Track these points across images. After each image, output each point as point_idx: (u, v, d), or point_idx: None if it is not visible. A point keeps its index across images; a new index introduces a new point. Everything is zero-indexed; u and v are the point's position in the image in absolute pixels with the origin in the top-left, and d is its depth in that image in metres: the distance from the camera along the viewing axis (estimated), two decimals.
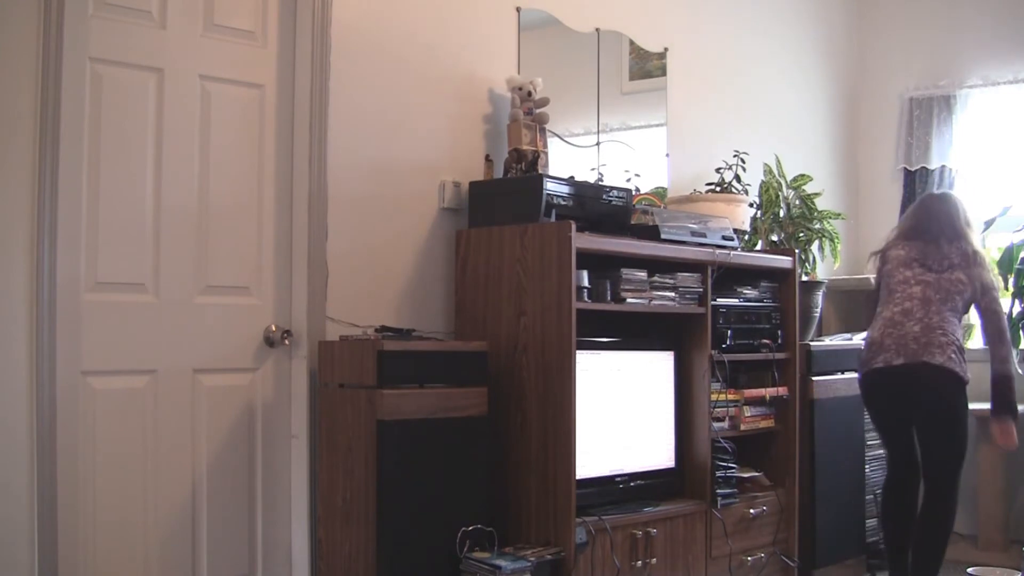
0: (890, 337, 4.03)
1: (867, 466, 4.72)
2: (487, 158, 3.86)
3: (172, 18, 3.19)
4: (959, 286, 4.07)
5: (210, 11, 3.28)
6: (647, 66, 4.66)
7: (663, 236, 3.80)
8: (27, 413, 2.86)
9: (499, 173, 3.81)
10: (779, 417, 4.24)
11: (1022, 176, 5.44)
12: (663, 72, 4.69)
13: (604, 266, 3.60)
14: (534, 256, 3.44)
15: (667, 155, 4.67)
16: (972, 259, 4.12)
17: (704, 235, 3.96)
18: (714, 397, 3.93)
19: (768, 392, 4.18)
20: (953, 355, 3.95)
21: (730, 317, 4.06)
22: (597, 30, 4.35)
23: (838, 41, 5.93)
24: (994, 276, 4.27)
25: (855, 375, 4.60)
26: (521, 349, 3.46)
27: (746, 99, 5.19)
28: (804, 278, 4.71)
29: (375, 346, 3.11)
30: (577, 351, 3.38)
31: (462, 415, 3.23)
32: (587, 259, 3.47)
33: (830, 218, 4.95)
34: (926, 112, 5.68)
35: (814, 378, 4.43)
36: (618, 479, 3.68)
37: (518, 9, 4.04)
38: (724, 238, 4.04)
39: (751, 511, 4.05)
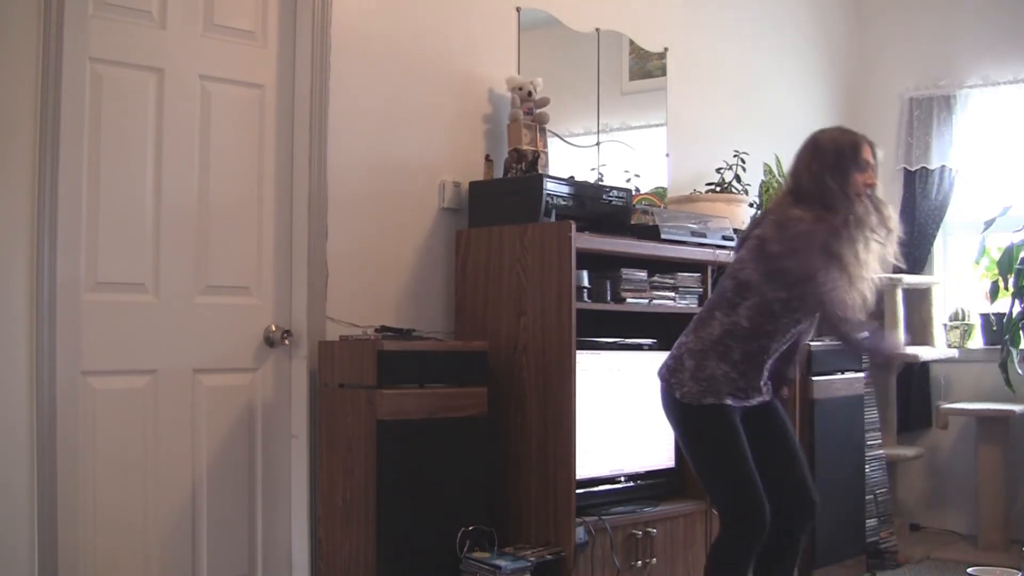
0: None
1: (867, 466, 4.72)
2: (487, 158, 3.86)
3: (172, 18, 3.19)
4: (733, 267, 3.07)
5: (210, 11, 3.28)
6: (647, 66, 4.66)
7: (663, 236, 3.80)
8: (27, 413, 2.86)
9: (499, 173, 3.81)
10: None
11: (1022, 176, 5.43)
12: (663, 72, 4.69)
13: (604, 266, 3.60)
14: (534, 256, 3.44)
15: (667, 155, 4.66)
16: (765, 217, 3.06)
17: (704, 235, 3.96)
18: None
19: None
20: (670, 363, 3.04)
21: None
22: (597, 30, 4.35)
23: (838, 41, 5.93)
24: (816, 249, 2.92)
25: (855, 375, 4.61)
26: (521, 349, 3.46)
27: (746, 99, 5.19)
28: None
29: (375, 346, 3.11)
30: (577, 351, 3.38)
31: (462, 415, 3.23)
32: (587, 259, 3.47)
33: None
34: (926, 112, 5.67)
35: (814, 378, 4.42)
36: (618, 479, 3.68)
37: (518, 9, 4.04)
38: (724, 238, 4.04)
39: None
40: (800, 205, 2.98)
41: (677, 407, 3.02)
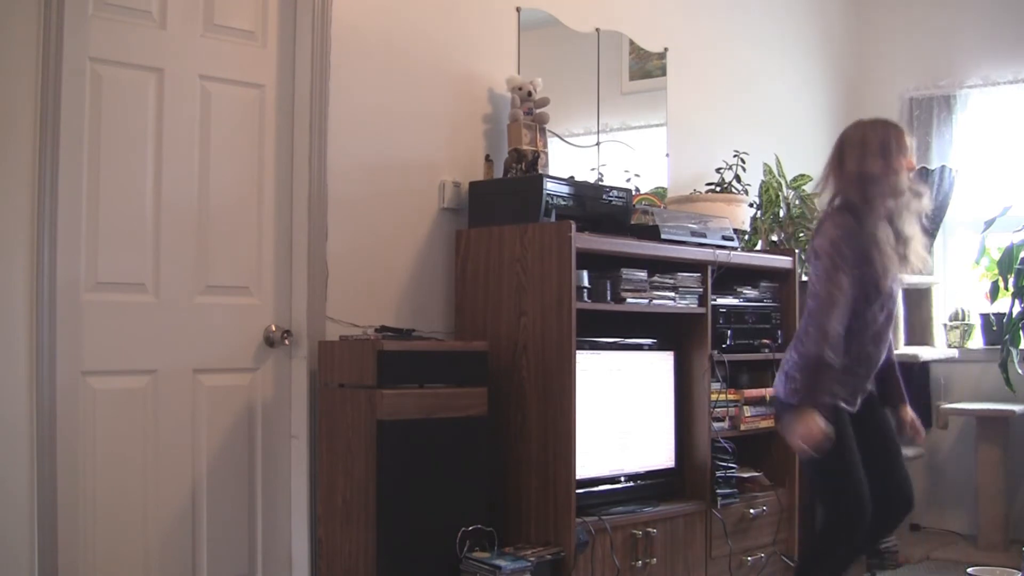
0: None
1: None
2: (487, 158, 3.86)
3: (172, 18, 3.19)
4: (813, 282, 3.23)
5: (210, 11, 3.28)
6: (647, 66, 4.66)
7: (663, 236, 3.80)
8: (27, 413, 2.86)
9: (499, 173, 3.81)
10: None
11: (1022, 176, 5.44)
12: (663, 72, 4.69)
13: (604, 266, 3.60)
14: (534, 256, 3.44)
15: (667, 155, 4.67)
16: (818, 227, 3.27)
17: (704, 235, 3.96)
18: (714, 397, 3.93)
19: (768, 392, 4.17)
20: (784, 379, 3.26)
21: (730, 317, 4.06)
22: (597, 30, 4.35)
23: (838, 41, 5.93)
24: (831, 247, 3.14)
25: None
26: (521, 349, 3.46)
27: (746, 99, 5.19)
28: (804, 278, 4.71)
29: (375, 346, 3.11)
30: (577, 351, 3.38)
31: (462, 415, 3.22)
32: (587, 259, 3.47)
33: None
34: (926, 112, 5.67)
35: None
36: (618, 479, 3.68)
37: (518, 9, 4.04)
38: (724, 238, 4.05)
39: (751, 511, 4.05)
40: (840, 211, 3.21)
41: (784, 407, 3.22)
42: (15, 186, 2.90)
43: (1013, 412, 4.99)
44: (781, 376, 3.29)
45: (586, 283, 3.49)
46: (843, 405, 3.23)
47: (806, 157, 5.42)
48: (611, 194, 3.73)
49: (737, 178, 4.58)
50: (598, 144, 4.32)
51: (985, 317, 5.39)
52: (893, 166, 3.23)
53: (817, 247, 3.20)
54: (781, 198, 4.91)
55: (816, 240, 3.23)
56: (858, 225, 3.16)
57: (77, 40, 2.96)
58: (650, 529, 3.62)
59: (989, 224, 5.08)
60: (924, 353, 5.26)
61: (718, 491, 3.89)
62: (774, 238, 4.85)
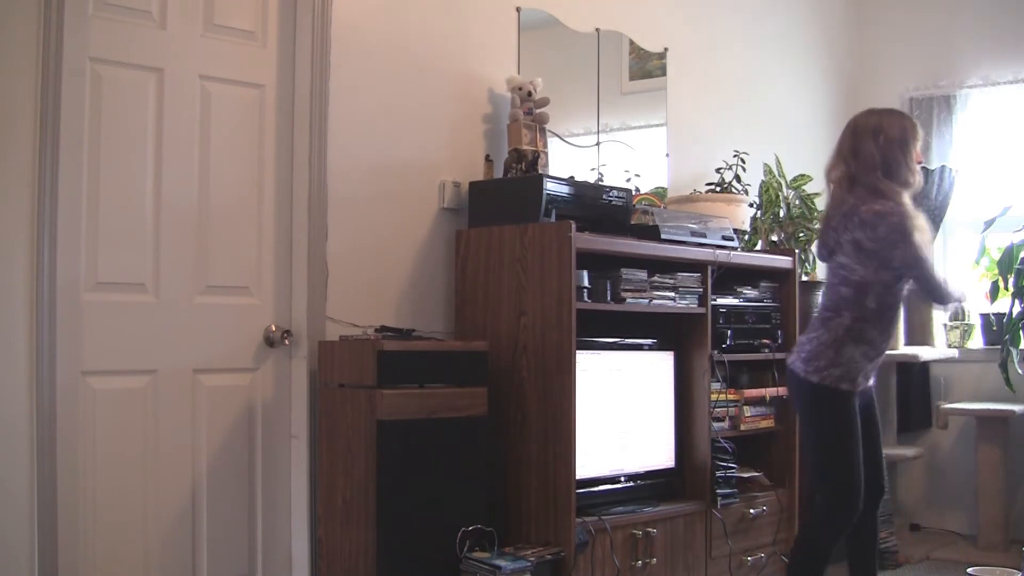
0: None
1: None
2: (487, 158, 3.86)
3: (172, 18, 3.19)
4: (840, 274, 3.30)
5: (210, 11, 3.28)
6: (647, 66, 4.66)
7: (663, 236, 3.80)
8: (27, 413, 2.86)
9: (499, 173, 3.81)
10: (779, 417, 4.24)
11: (1022, 176, 5.44)
12: (663, 72, 4.69)
13: (604, 266, 3.60)
14: (534, 256, 3.44)
15: (667, 155, 4.67)
16: (849, 219, 3.24)
17: (704, 235, 3.96)
18: (714, 397, 3.93)
19: (768, 392, 4.18)
20: (805, 356, 3.30)
21: (730, 317, 4.06)
22: (597, 30, 4.35)
23: (838, 41, 5.93)
24: (909, 227, 3.20)
25: None
26: (521, 349, 3.46)
27: (746, 99, 5.19)
28: (804, 278, 4.72)
29: (375, 346, 3.11)
30: (577, 351, 3.38)
31: (462, 415, 3.22)
32: (587, 259, 3.47)
33: None
34: (926, 112, 5.67)
35: None
36: (618, 479, 3.68)
37: (518, 9, 4.04)
38: (724, 238, 4.05)
39: (751, 511, 4.05)
40: (874, 197, 3.22)
41: (815, 389, 3.27)
42: (15, 186, 2.90)
43: (1013, 412, 4.99)
44: (801, 355, 3.32)
45: (586, 283, 3.50)
46: (858, 389, 3.30)
47: (806, 157, 5.42)
48: (611, 194, 3.73)
49: (737, 178, 4.58)
50: (598, 144, 4.32)
51: (985, 317, 5.39)
52: (913, 156, 3.31)
53: (859, 238, 3.21)
54: (781, 198, 4.91)
55: (857, 233, 3.21)
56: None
57: (77, 40, 2.96)
58: (650, 529, 3.62)
59: (989, 224, 5.08)
60: (924, 353, 5.26)
61: (718, 491, 3.89)
62: (774, 238, 4.85)
